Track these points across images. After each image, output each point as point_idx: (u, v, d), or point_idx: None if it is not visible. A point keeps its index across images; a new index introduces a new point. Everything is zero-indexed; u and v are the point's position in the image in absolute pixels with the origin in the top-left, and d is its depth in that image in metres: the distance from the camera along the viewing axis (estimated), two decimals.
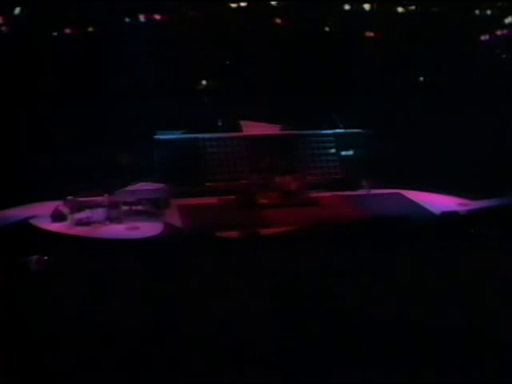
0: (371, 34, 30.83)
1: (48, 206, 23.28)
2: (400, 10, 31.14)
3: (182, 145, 27.10)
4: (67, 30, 29.08)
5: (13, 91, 26.47)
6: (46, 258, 18.08)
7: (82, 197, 23.16)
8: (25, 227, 21.61)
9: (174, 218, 23.35)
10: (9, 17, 28.73)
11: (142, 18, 29.68)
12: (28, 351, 13.19)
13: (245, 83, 29.22)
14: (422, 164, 26.19)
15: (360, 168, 26.94)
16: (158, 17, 29.90)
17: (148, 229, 22.06)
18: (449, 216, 22.60)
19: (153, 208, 23.80)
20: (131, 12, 29.57)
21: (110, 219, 22.90)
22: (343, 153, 27.68)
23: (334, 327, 14.15)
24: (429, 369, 12.53)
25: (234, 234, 21.32)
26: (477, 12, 30.97)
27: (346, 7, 30.96)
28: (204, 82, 30.83)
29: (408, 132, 27.58)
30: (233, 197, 25.26)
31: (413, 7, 31.15)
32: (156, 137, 26.73)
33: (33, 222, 22.16)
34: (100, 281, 16.73)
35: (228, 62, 30.39)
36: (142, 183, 24.54)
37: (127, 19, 29.56)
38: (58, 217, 22.78)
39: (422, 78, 31.52)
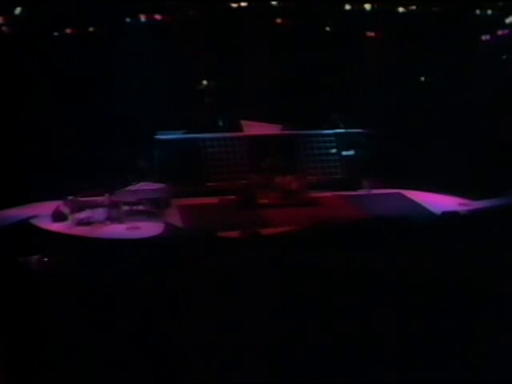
0: (371, 34, 30.85)
1: (48, 206, 23.31)
2: (400, 9, 31.16)
3: (182, 145, 27.14)
4: (67, 30, 29.09)
5: (13, 91, 26.47)
6: (46, 258, 18.08)
7: (82, 197, 23.18)
8: (25, 227, 21.62)
9: (175, 218, 23.37)
10: (9, 17, 28.73)
11: (142, 17, 29.70)
12: (28, 351, 13.19)
13: (245, 83, 29.22)
14: (423, 164, 26.20)
15: (360, 168, 26.97)
16: (158, 17, 29.91)
17: (149, 229, 22.09)
18: (449, 216, 22.61)
19: (153, 208, 23.83)
20: (131, 12, 29.58)
21: (111, 219, 22.92)
22: (344, 153, 27.72)
23: (333, 328, 14.15)
24: (429, 369, 12.54)
25: (234, 233, 21.34)
26: (477, 12, 30.99)
27: (346, 7, 30.98)
28: (204, 82, 30.83)
29: (408, 132, 27.58)
30: (233, 197, 25.29)
31: (413, 7, 31.16)
32: (156, 137, 26.76)
33: (33, 221, 22.19)
34: (100, 281, 16.72)
35: (228, 63, 30.40)
36: (143, 183, 24.56)
37: (127, 19, 29.58)
38: (58, 217, 22.81)
39: (422, 78, 31.53)
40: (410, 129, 27.65)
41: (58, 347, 13.33)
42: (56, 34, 29.06)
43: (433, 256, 18.31)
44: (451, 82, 29.36)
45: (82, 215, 22.83)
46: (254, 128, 27.54)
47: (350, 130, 27.89)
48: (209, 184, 26.40)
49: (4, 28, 28.72)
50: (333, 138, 27.99)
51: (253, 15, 30.31)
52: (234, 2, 30.44)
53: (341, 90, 28.68)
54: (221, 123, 28.47)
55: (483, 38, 30.84)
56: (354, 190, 26.52)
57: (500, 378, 12.23)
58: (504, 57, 31.44)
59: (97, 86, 27.49)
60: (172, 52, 28.97)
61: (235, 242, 20.93)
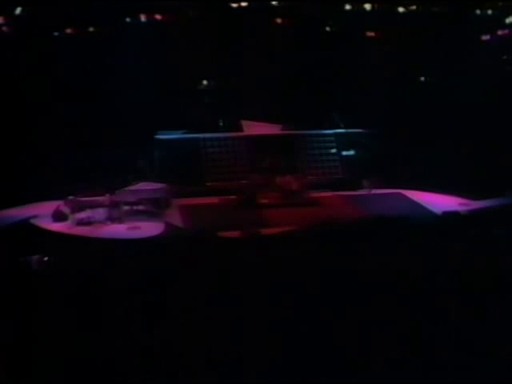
0: (371, 34, 30.87)
1: (49, 206, 23.30)
2: (400, 9, 31.19)
3: (182, 145, 27.12)
4: (67, 30, 29.12)
5: (13, 91, 26.48)
6: (46, 258, 18.08)
7: (82, 196, 23.18)
8: (26, 227, 21.62)
9: (175, 218, 23.37)
10: (9, 17, 28.76)
11: (142, 17, 29.73)
12: (28, 351, 13.19)
13: (245, 83, 29.22)
14: (423, 164, 26.21)
15: (361, 168, 26.94)
16: (158, 17, 29.94)
17: (149, 229, 22.08)
18: (450, 216, 22.61)
19: (154, 208, 23.82)
20: (131, 12, 29.60)
21: (111, 219, 22.91)
22: (344, 153, 27.70)
23: (333, 327, 14.15)
24: (429, 369, 12.54)
25: (234, 233, 21.34)
26: (477, 12, 31.02)
27: (346, 7, 31.01)
28: (204, 82, 30.84)
29: (408, 132, 27.59)
30: (233, 197, 25.28)
31: (413, 7, 31.19)
32: (156, 137, 26.74)
33: (34, 221, 22.18)
34: (100, 281, 16.72)
35: (228, 63, 30.42)
36: (143, 183, 24.56)
37: (127, 19, 29.60)
38: (58, 217, 22.80)
39: (422, 78, 31.54)
40: (410, 129, 27.64)
41: (58, 346, 13.33)
42: (56, 33, 29.07)
43: (433, 256, 18.30)
44: (451, 82, 29.36)
45: (83, 215, 22.82)
46: (253, 128, 27.52)
47: (349, 130, 27.86)
48: (209, 184, 26.38)
49: (4, 28, 28.74)
50: (333, 138, 27.96)
51: (253, 15, 30.32)
52: (234, 2, 30.45)
53: (341, 90, 28.68)
54: (221, 123, 28.44)
55: (483, 37, 30.85)
56: (354, 189, 26.49)
57: (500, 377, 12.24)
58: (504, 57, 31.46)
59: (97, 85, 27.50)
60: (172, 52, 28.97)
61: (235, 241, 20.93)
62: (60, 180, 24.24)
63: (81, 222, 22.53)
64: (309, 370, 12.55)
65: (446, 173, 24.85)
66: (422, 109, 28.36)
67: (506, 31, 30.96)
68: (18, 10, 28.53)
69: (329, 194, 26.16)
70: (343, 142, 27.84)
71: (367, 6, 30.88)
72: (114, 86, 26.83)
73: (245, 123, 27.76)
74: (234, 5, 30.49)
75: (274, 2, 31.03)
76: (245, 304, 15.25)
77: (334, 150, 27.76)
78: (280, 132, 27.81)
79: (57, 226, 22.19)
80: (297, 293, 15.83)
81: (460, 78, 28.95)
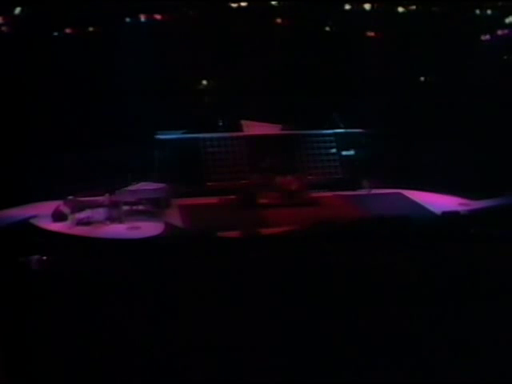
0: (371, 34, 30.88)
1: (49, 206, 23.31)
2: (400, 9, 31.20)
3: (182, 145, 27.13)
4: (67, 30, 29.13)
5: (13, 91, 26.48)
6: (46, 258, 18.08)
7: (82, 197, 23.18)
8: (25, 227, 21.62)
9: (175, 218, 23.37)
10: (9, 17, 28.78)
11: (142, 17, 29.75)
12: (28, 351, 13.19)
13: (245, 83, 29.23)
14: (423, 164, 26.21)
15: (361, 168, 26.95)
16: (158, 17, 29.96)
17: (149, 229, 22.09)
18: (449, 216, 22.61)
19: (153, 208, 23.84)
20: (131, 12, 29.62)
21: (111, 219, 22.92)
22: (344, 153, 27.70)
23: (333, 327, 14.14)
24: (429, 369, 12.54)
25: (234, 233, 21.33)
26: (477, 12, 31.05)
27: (346, 7, 31.02)
28: (204, 82, 30.86)
29: (408, 132, 27.59)
30: (233, 197, 25.28)
31: (413, 7, 31.21)
32: (156, 137, 26.75)
33: (33, 221, 22.19)
34: (100, 281, 16.71)
35: (228, 63, 30.44)
36: (143, 183, 24.57)
37: (127, 19, 29.62)
38: (58, 216, 22.81)
39: (422, 78, 31.55)
40: (410, 129, 27.64)
41: (58, 347, 13.33)
42: (56, 33, 29.09)
43: (433, 256, 18.30)
44: (451, 82, 29.36)
45: (82, 215, 22.84)
46: (253, 128, 27.53)
47: (349, 130, 27.87)
48: (209, 184, 26.39)
49: (4, 28, 28.75)
50: (333, 138, 27.96)
51: (253, 15, 30.34)
52: (234, 2, 30.46)
53: (341, 90, 28.68)
54: (221, 123, 28.44)
55: (483, 37, 30.87)
56: (354, 190, 26.50)
57: (500, 377, 12.23)
58: (504, 57, 31.46)
59: (97, 85, 27.50)
60: (172, 52, 28.98)
61: (235, 241, 20.92)
62: (60, 180, 24.25)
63: (80, 222, 22.54)
64: (309, 369, 12.55)
65: (446, 173, 24.85)
66: (421, 109, 28.37)
67: (506, 31, 30.97)
68: (18, 10, 28.54)
69: (329, 194, 26.17)
70: (343, 141, 27.84)
71: (367, 6, 30.90)
72: (113, 86, 26.85)
73: (245, 123, 27.76)
74: (234, 5, 30.50)
75: (273, 2, 31.05)
76: (245, 304, 15.25)
77: (333, 150, 27.76)
78: (280, 132, 27.82)
79: (57, 226, 22.19)
80: (297, 293, 15.82)
81: (460, 78, 28.95)
